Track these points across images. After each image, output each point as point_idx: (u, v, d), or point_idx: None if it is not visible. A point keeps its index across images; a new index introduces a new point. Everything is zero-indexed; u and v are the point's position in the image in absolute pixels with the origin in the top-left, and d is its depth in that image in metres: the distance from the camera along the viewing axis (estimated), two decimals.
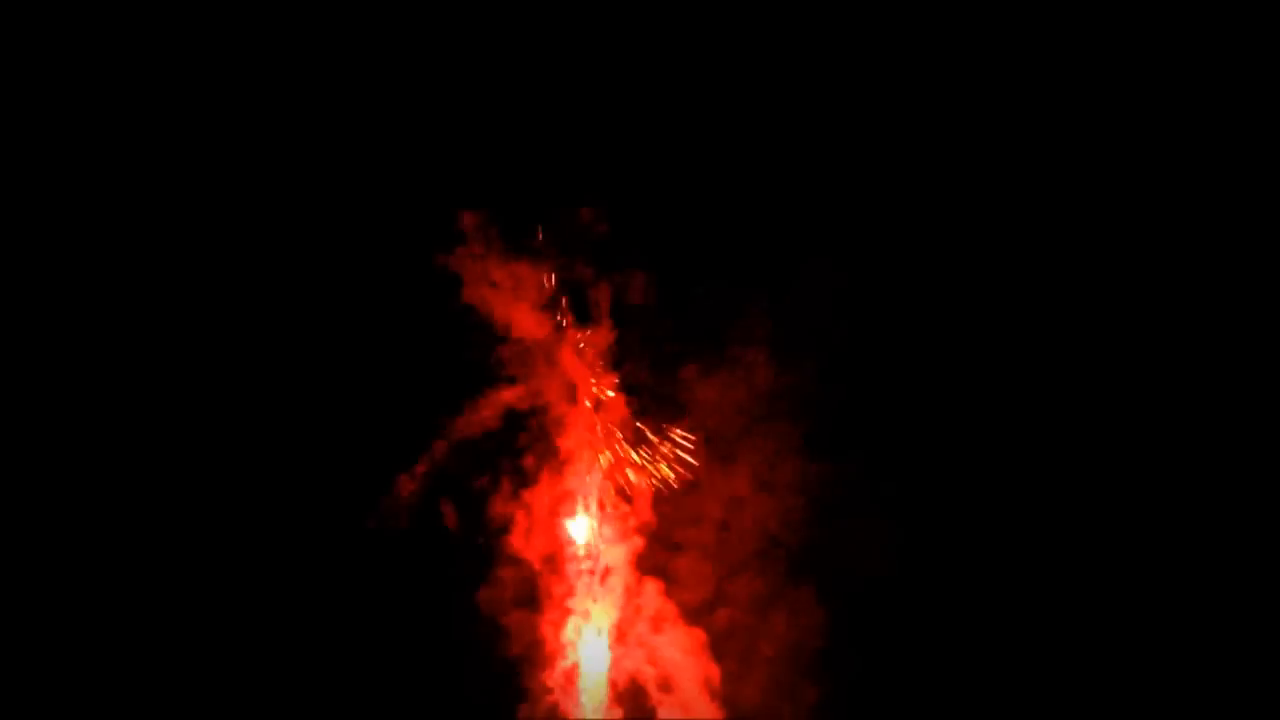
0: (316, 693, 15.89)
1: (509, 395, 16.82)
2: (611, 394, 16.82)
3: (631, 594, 16.56)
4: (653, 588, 16.49)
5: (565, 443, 16.94)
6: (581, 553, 16.68)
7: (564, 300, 16.74)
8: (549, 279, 16.73)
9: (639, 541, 16.58)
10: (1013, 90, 15.62)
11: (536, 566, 16.68)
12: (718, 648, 16.26)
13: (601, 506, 16.79)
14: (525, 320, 16.78)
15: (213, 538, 16.10)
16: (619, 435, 16.89)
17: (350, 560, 16.11)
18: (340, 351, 16.55)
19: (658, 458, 16.68)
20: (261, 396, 16.40)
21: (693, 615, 16.40)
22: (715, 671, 16.22)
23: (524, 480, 16.78)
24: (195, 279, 16.39)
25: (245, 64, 16.08)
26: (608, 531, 16.69)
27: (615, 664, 16.52)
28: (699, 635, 16.30)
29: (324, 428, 16.44)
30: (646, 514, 16.59)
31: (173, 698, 15.61)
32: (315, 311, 16.57)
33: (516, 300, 16.71)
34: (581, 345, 16.78)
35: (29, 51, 15.45)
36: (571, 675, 16.50)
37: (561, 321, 16.77)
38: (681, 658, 16.36)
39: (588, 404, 16.89)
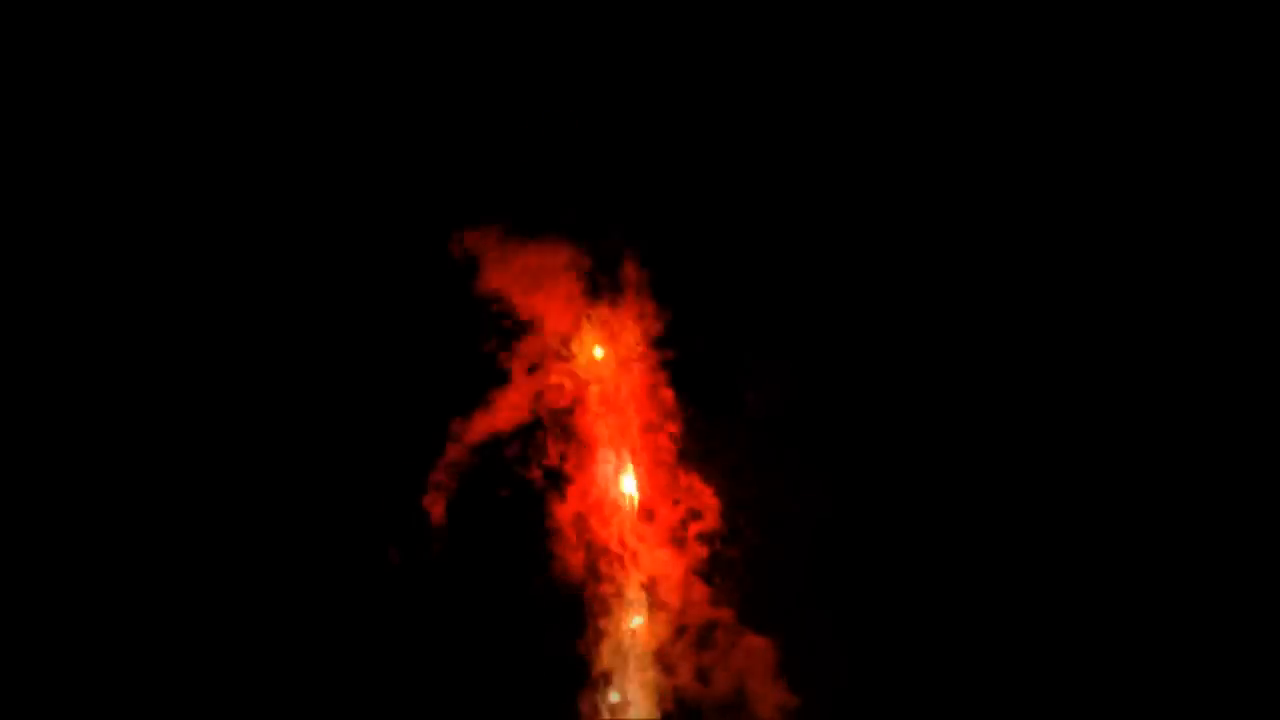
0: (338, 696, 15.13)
1: (531, 390, 15.48)
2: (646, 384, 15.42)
3: (681, 605, 15.16)
4: (703, 595, 15.15)
5: (596, 441, 15.52)
6: (619, 559, 15.36)
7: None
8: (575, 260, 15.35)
9: (685, 544, 15.24)
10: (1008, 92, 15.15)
11: (569, 577, 15.38)
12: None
13: (640, 510, 15.40)
14: (548, 307, 15.47)
15: (226, 543, 15.31)
16: (658, 430, 15.45)
17: (364, 567, 15.25)
18: (344, 343, 15.54)
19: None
20: (263, 393, 15.44)
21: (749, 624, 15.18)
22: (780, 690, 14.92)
23: (551, 484, 15.45)
24: (195, 266, 15.53)
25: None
26: (648, 535, 15.31)
27: (662, 680, 15.26)
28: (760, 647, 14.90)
29: (330, 426, 15.44)
30: (693, 513, 15.25)
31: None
32: (318, 301, 15.55)
33: (538, 286, 15.42)
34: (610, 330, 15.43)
35: (29, 52, 14.94)
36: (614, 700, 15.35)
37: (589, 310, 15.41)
38: (737, 674, 14.96)
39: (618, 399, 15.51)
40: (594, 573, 15.34)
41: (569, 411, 15.51)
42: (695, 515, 15.12)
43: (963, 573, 14.91)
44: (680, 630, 15.09)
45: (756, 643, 14.82)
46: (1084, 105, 15.07)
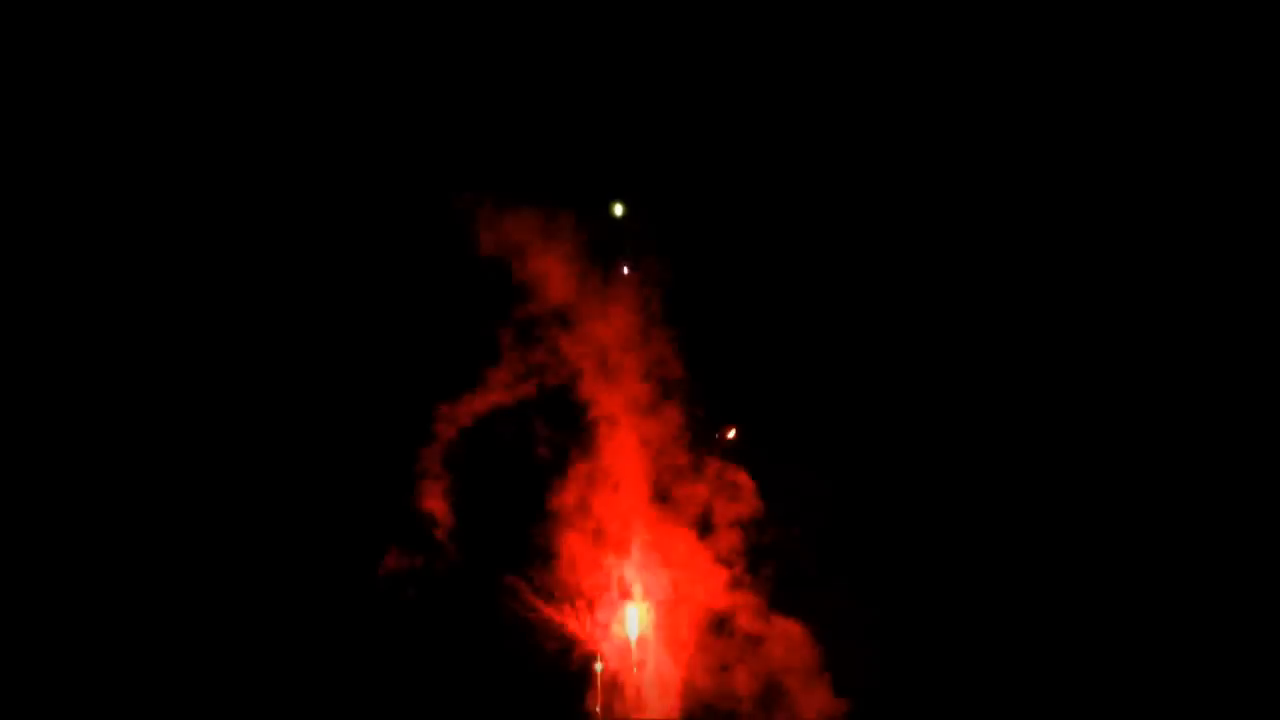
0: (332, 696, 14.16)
1: (526, 365, 14.27)
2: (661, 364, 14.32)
3: (703, 596, 14.12)
4: (729, 584, 14.14)
5: (600, 420, 14.37)
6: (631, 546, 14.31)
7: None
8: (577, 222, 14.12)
9: (710, 529, 14.19)
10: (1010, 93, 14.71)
11: (575, 569, 14.27)
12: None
13: (654, 492, 14.32)
14: (545, 274, 14.18)
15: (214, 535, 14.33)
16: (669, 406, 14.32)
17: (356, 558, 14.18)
18: (320, 316, 14.41)
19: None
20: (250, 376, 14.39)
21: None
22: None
23: (552, 469, 14.29)
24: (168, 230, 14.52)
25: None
26: (665, 520, 14.27)
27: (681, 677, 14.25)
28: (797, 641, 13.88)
29: (307, 408, 14.36)
30: (696, 507, 14.23)
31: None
32: (289, 268, 14.41)
33: (534, 251, 14.13)
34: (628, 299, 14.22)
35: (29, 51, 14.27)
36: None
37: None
38: (769, 670, 13.97)
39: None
40: (602, 562, 14.24)
41: (568, 387, 14.34)
42: (722, 497, 14.03)
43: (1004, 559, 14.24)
44: (704, 623, 14.07)
45: (793, 635, 13.81)
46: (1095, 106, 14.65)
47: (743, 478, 14.00)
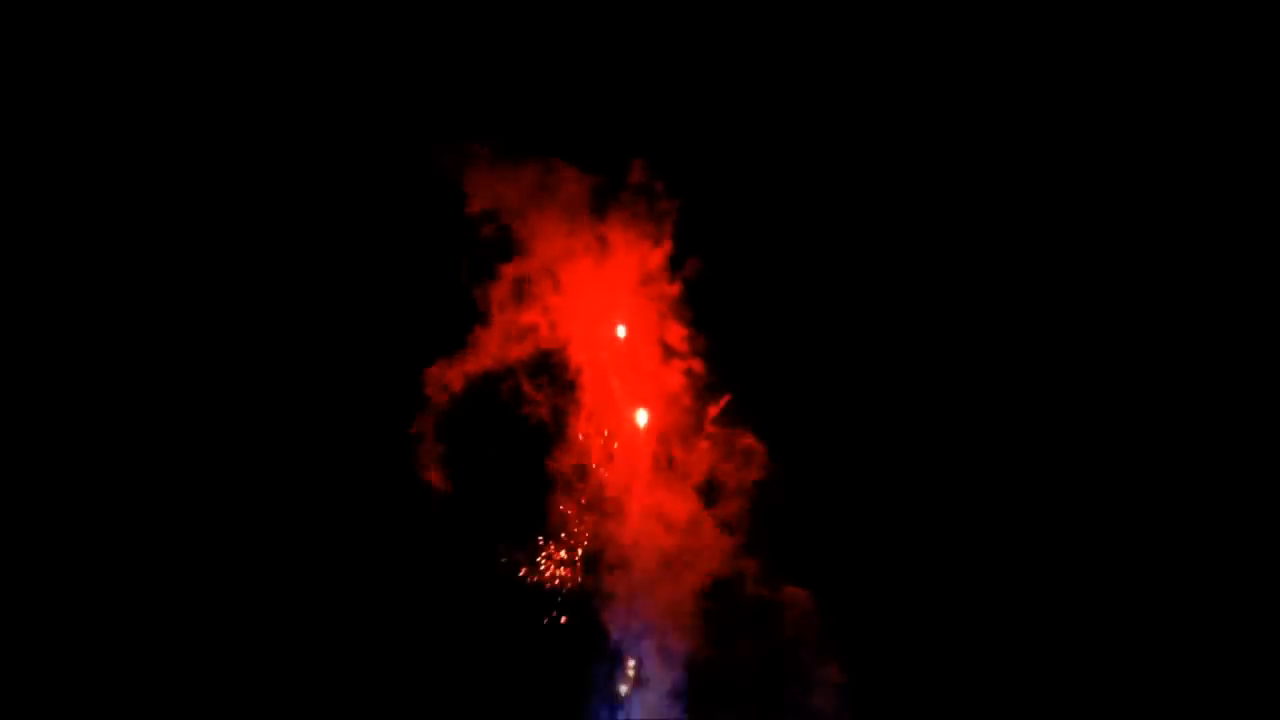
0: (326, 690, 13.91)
1: (519, 326, 13.82)
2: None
3: (708, 565, 13.70)
4: (734, 552, 13.73)
5: (598, 381, 13.96)
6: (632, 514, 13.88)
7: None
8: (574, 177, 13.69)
9: (716, 494, 13.78)
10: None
11: (575, 538, 13.91)
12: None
13: (656, 457, 13.90)
14: (538, 230, 13.70)
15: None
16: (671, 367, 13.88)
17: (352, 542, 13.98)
18: (302, 277, 14.06)
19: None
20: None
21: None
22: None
23: (549, 433, 13.87)
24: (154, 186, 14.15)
25: None
26: (668, 486, 13.83)
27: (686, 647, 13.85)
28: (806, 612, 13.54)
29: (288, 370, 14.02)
30: (726, 459, 13.77)
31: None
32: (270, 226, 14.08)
33: (528, 207, 13.66)
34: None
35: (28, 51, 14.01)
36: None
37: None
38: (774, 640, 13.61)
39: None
40: (602, 530, 13.81)
41: (564, 348, 13.87)
42: (729, 461, 13.61)
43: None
44: (707, 593, 13.66)
45: (801, 605, 13.43)
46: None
47: (752, 441, 13.62)
